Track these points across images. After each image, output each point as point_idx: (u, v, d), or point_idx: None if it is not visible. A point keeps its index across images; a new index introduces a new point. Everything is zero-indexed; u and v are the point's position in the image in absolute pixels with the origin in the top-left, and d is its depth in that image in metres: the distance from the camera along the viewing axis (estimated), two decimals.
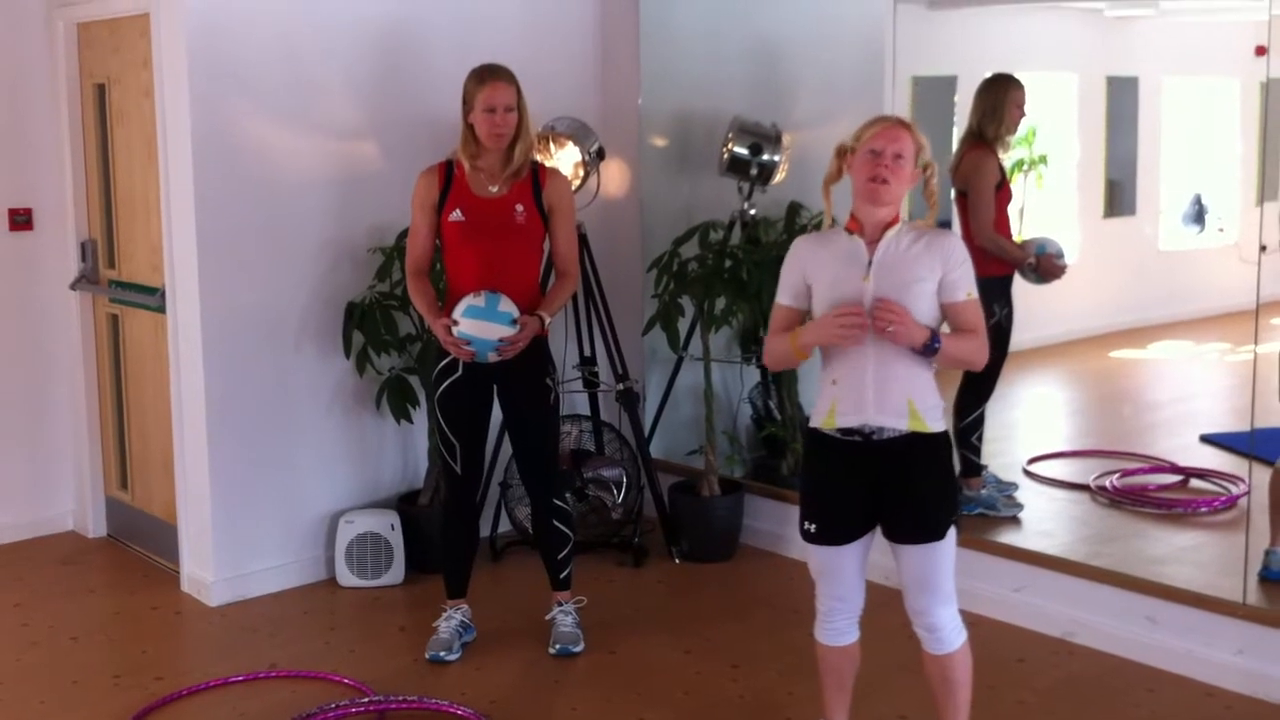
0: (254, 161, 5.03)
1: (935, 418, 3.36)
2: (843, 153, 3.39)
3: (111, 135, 5.55)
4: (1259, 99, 5.32)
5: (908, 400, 3.31)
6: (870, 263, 3.33)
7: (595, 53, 5.98)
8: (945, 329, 3.38)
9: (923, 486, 3.36)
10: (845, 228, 3.40)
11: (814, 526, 3.44)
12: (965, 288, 3.34)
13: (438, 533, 4.77)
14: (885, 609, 3.96)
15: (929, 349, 3.27)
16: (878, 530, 3.45)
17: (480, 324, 4.25)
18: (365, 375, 5.25)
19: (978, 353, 3.38)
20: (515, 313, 4.27)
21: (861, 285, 3.31)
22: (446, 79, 4.75)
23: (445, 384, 4.45)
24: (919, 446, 3.34)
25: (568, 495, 5.39)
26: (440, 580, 4.73)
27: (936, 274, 3.31)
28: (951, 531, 3.37)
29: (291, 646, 4.71)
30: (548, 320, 4.39)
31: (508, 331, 4.26)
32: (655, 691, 4.31)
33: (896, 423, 3.31)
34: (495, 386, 4.49)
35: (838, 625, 3.54)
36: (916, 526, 3.36)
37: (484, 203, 4.37)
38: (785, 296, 3.47)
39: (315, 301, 5.21)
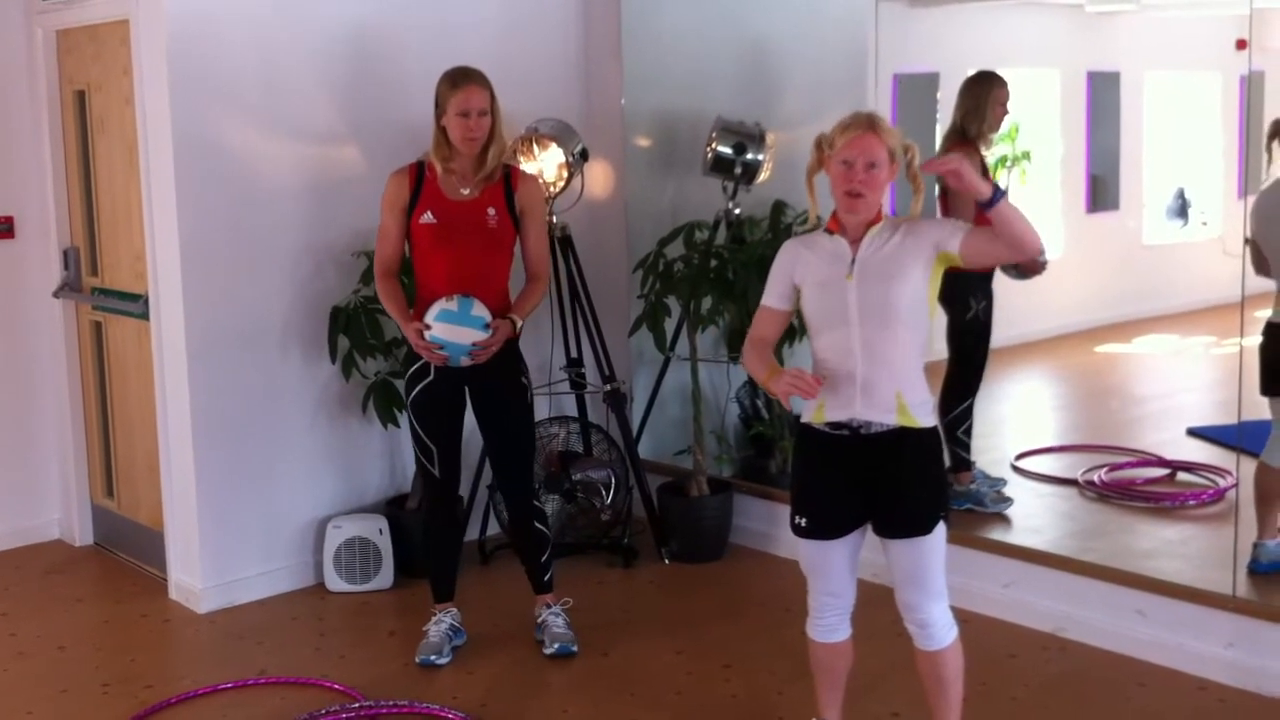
0: (236, 167, 5.01)
1: (925, 413, 3.36)
2: (821, 145, 3.39)
3: (93, 142, 5.52)
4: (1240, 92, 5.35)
5: (896, 394, 3.31)
6: (854, 261, 3.34)
7: (577, 53, 5.97)
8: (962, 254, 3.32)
9: (912, 481, 3.36)
10: (826, 228, 3.41)
11: (805, 521, 3.45)
12: (960, 226, 3.33)
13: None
14: (876, 606, 3.95)
15: (993, 202, 3.20)
16: (869, 527, 3.45)
17: (453, 328, 4.22)
18: (351, 380, 5.23)
19: (1033, 228, 3.27)
20: (488, 317, 4.24)
21: (846, 284, 3.32)
22: (428, 81, 4.72)
23: (418, 388, 4.42)
24: (908, 441, 3.34)
25: (556, 497, 5.39)
26: (429, 584, 4.72)
27: (926, 251, 3.31)
28: (941, 526, 3.37)
29: (281, 653, 4.69)
30: (519, 323, 4.38)
31: (480, 335, 4.23)
32: (648, 693, 4.30)
33: (884, 417, 3.32)
34: (468, 389, 4.47)
35: (829, 621, 3.55)
36: (906, 521, 3.36)
37: (456, 205, 4.35)
38: (771, 298, 3.50)
39: (299, 306, 5.19)
